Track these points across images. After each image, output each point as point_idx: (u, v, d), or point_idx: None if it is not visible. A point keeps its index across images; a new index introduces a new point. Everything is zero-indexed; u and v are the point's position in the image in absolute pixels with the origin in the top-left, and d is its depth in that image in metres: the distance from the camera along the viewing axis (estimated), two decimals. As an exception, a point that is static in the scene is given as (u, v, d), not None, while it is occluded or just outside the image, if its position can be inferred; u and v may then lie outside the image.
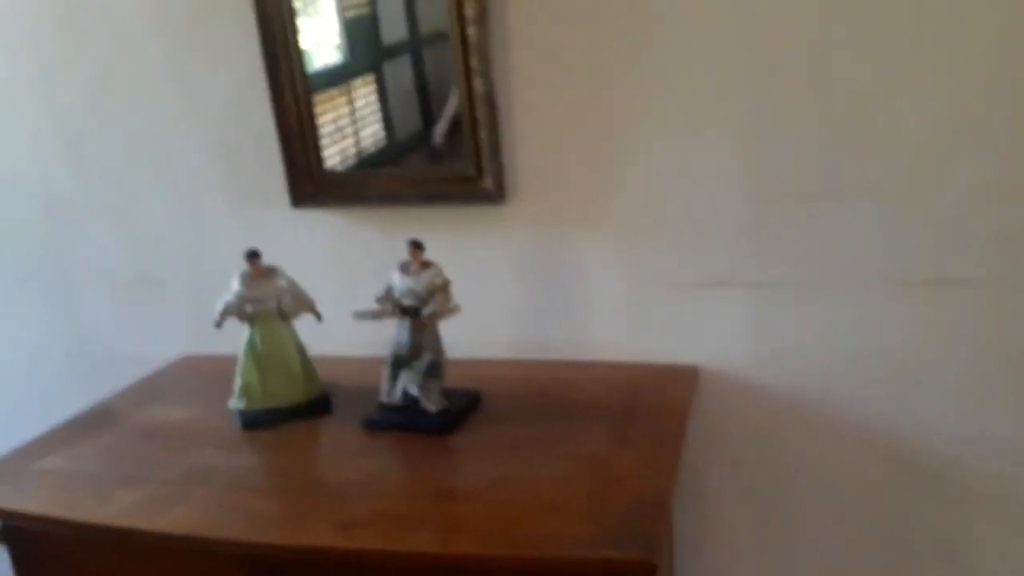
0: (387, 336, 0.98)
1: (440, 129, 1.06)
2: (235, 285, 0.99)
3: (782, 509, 1.09)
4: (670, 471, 0.83)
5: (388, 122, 1.11)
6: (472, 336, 1.04)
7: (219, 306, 1.00)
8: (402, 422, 0.97)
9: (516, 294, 1.10)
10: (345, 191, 1.12)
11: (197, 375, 1.18)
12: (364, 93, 1.11)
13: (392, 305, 0.96)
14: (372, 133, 1.11)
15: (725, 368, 1.05)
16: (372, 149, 1.12)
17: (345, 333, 1.02)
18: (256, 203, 1.16)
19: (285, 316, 1.01)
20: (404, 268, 0.95)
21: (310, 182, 1.12)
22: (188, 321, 1.24)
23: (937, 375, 0.99)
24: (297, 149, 1.10)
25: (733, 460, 1.09)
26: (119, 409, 1.08)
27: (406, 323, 0.96)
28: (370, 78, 1.10)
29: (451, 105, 1.03)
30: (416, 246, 0.94)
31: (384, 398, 0.99)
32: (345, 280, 1.09)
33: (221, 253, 1.17)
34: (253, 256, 1.00)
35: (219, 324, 0.99)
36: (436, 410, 0.96)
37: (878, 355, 1.00)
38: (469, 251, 1.08)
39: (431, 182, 1.08)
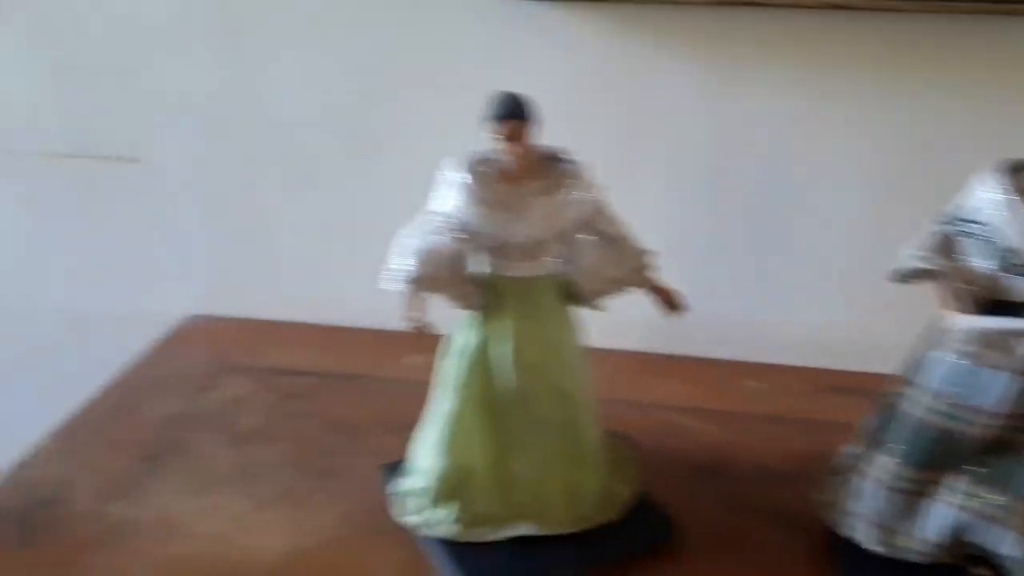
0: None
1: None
2: (452, 195, 0.47)
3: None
4: None
5: None
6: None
7: (405, 258, 0.47)
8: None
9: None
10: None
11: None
12: None
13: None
14: None
15: None
16: None
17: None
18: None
19: (582, 297, 0.49)
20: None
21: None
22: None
23: None
24: None
25: None
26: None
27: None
28: None
29: None
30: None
31: (880, 545, 0.47)
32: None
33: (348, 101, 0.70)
34: (514, 116, 0.45)
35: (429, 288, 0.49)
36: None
37: None
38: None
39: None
